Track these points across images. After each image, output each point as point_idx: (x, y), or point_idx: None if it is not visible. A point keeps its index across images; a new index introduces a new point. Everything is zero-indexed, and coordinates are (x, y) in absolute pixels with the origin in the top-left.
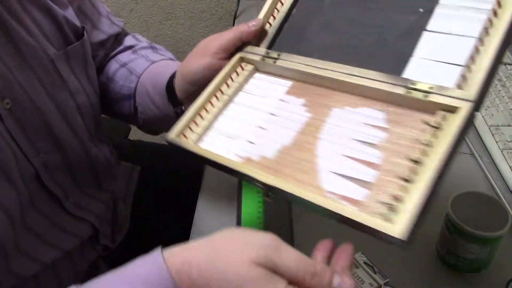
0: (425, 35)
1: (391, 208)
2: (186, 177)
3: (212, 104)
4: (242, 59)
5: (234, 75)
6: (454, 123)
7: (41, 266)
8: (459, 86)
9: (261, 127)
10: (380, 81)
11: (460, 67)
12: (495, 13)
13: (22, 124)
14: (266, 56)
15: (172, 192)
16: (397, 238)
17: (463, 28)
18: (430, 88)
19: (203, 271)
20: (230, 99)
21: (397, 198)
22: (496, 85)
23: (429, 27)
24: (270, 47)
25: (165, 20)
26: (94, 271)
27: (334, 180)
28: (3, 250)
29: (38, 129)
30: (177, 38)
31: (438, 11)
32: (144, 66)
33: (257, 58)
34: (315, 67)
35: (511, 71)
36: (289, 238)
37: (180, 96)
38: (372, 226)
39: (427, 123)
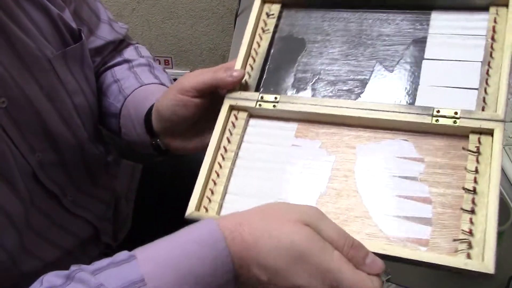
0: (425, 63)
1: (466, 243)
2: (188, 174)
3: (220, 165)
4: (232, 107)
5: (230, 127)
6: (495, 146)
7: (44, 264)
8: (483, 108)
9: (285, 180)
10: (400, 112)
11: (475, 91)
12: (493, 38)
13: (18, 123)
14: (262, 100)
15: (174, 190)
16: (488, 273)
17: (462, 53)
18: (456, 113)
19: (254, 229)
20: (236, 155)
21: (467, 232)
22: None
23: (427, 55)
24: (257, 89)
25: (167, 19)
26: None
27: (392, 223)
28: (9, 253)
29: (34, 128)
30: (179, 37)
31: (430, 40)
32: (133, 87)
33: (250, 104)
34: (324, 105)
35: None
36: None
37: (156, 129)
38: (460, 267)
39: (465, 148)
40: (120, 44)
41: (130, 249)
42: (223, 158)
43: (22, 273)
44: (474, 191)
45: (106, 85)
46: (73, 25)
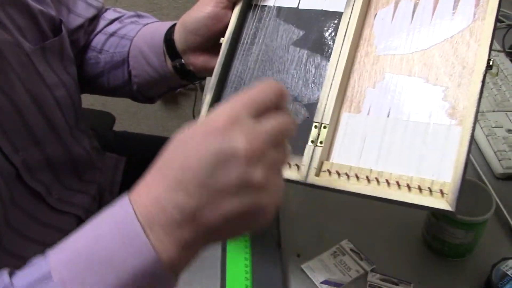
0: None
1: None
2: None
3: None
4: None
5: None
6: None
7: (24, 263)
8: None
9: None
10: None
11: None
12: None
13: (1, 123)
14: None
15: None
16: None
17: None
18: None
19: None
20: None
21: None
22: None
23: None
24: None
25: (150, 11)
26: None
27: None
28: None
29: (15, 126)
30: None
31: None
32: (136, 29)
33: None
34: None
35: (495, 57)
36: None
37: (179, 47)
38: None
39: None
40: (99, 11)
41: None
42: None
43: None
44: None
45: (102, 43)
46: (53, 13)
